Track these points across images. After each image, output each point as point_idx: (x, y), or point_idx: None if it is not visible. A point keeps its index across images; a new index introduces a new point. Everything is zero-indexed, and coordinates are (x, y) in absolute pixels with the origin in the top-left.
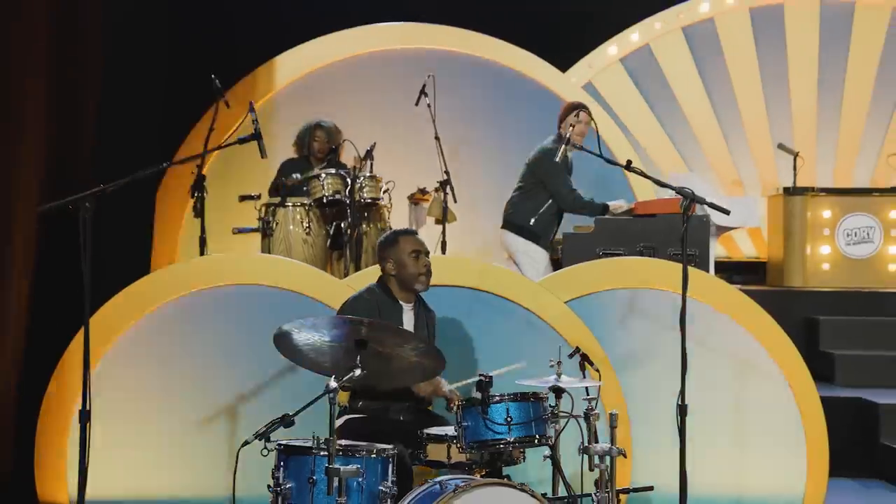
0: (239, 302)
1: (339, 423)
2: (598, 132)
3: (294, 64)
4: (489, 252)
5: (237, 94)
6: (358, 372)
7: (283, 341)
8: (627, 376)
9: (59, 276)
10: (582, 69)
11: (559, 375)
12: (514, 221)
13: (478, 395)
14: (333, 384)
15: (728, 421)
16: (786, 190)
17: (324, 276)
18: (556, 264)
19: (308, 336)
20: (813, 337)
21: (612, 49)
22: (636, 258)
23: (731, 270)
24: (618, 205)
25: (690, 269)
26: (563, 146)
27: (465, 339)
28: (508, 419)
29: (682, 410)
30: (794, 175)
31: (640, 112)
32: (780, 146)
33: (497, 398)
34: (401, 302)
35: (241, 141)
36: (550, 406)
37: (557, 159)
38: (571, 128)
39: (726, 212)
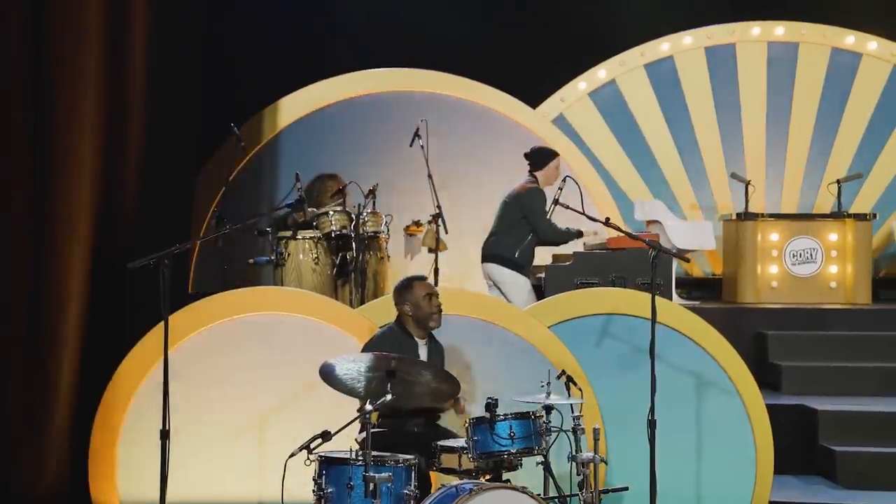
0: (267, 327)
1: (362, 436)
2: (581, 191)
3: (297, 106)
4: (472, 276)
5: (244, 133)
6: (389, 396)
7: (327, 371)
8: (603, 392)
9: (111, 302)
10: (554, 103)
11: (549, 394)
12: (499, 254)
13: (486, 414)
14: (369, 407)
15: (688, 430)
16: (738, 215)
17: (340, 306)
18: (537, 289)
19: (348, 368)
20: (762, 349)
21: (581, 84)
22: (609, 288)
23: (690, 287)
24: (591, 231)
25: (657, 298)
26: (553, 206)
27: (462, 362)
28: (512, 434)
29: (651, 424)
30: (746, 201)
31: (608, 142)
32: (734, 175)
33: (502, 417)
34: (416, 338)
35: (289, 206)
36: (545, 422)
37: (549, 216)
38: (559, 191)
39: (686, 259)
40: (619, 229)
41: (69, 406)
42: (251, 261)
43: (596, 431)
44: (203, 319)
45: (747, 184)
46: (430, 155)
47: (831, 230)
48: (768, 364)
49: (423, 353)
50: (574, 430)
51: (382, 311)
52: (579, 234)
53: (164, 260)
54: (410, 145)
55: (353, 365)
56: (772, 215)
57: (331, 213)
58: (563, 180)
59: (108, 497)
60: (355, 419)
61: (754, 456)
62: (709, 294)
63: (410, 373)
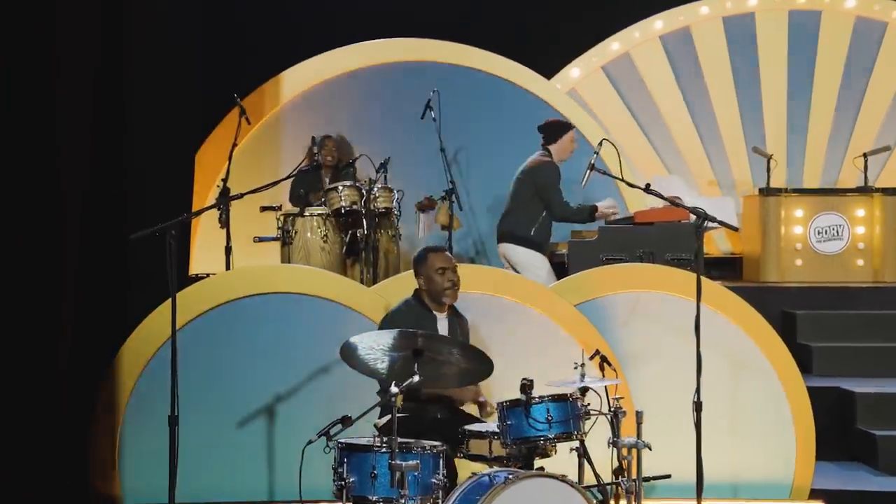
0: (275, 307)
1: (382, 421)
2: (619, 155)
3: (301, 78)
4: (484, 251)
5: (247, 106)
6: (417, 378)
7: (348, 352)
8: (632, 373)
9: (107, 284)
10: (566, 76)
11: (583, 376)
12: (514, 233)
13: (521, 396)
14: (395, 389)
15: (724, 413)
16: (761, 191)
17: (352, 284)
18: (556, 268)
19: (370, 346)
20: (790, 329)
21: (594, 57)
22: (637, 264)
23: (709, 266)
24: (606, 205)
25: (687, 274)
26: (589, 172)
27: (485, 341)
28: (549, 418)
29: (697, 406)
30: (768, 176)
31: (622, 117)
32: (755, 150)
33: (538, 399)
34: (434, 312)
35: (305, 170)
36: (585, 405)
37: (584, 186)
38: (595, 155)
39: (735, 228)
40: (660, 196)
41: (67, 389)
42: (256, 239)
43: (639, 415)
44: (209, 299)
45: (769, 158)
46: (444, 128)
47: (858, 205)
48: (797, 345)
49: (441, 328)
50: (615, 414)
51: (397, 290)
52: (593, 211)
53: (170, 230)
54: (422, 118)
55: (377, 343)
56: (796, 190)
57: (340, 188)
58: (600, 143)
59: (108, 487)
60: (379, 403)
61: (794, 441)
62: (728, 273)
63: (440, 352)
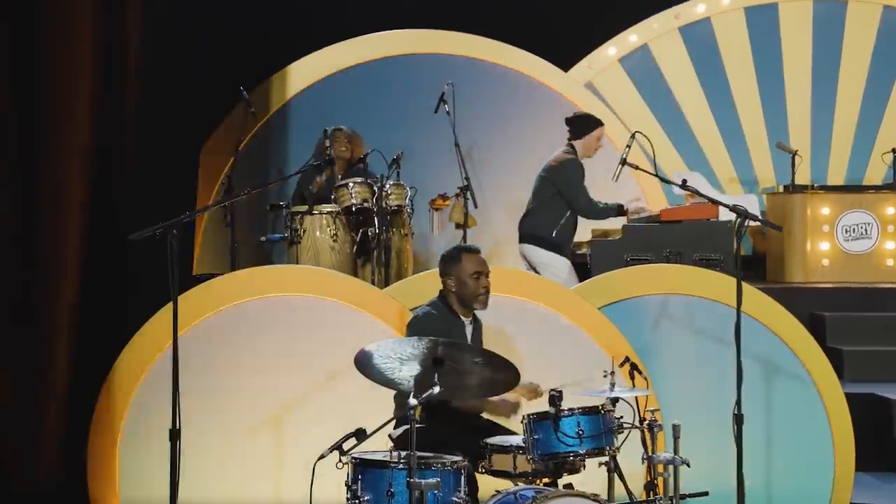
0: (285, 311)
1: (398, 432)
2: (653, 153)
3: (309, 71)
4: (501, 252)
5: (253, 100)
6: (437, 389)
7: (363, 360)
8: (660, 382)
9: (108, 287)
10: (582, 70)
11: (613, 385)
12: (535, 234)
13: (550, 409)
14: (413, 401)
15: (758, 422)
16: (786, 188)
17: (364, 285)
18: (577, 268)
19: (387, 355)
20: (818, 332)
21: (611, 50)
22: (664, 265)
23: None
24: (634, 202)
25: (716, 274)
26: (620, 166)
27: (503, 346)
28: (580, 432)
29: (738, 419)
30: (793, 173)
31: (640, 111)
32: (779, 145)
33: (568, 412)
34: (461, 317)
35: (315, 167)
36: (617, 418)
37: (615, 180)
38: (628, 149)
39: (778, 228)
40: (697, 192)
41: (65, 398)
42: (263, 238)
43: (675, 429)
44: (214, 302)
45: (794, 154)
46: (457, 122)
47: (888, 203)
48: (827, 349)
49: (468, 334)
50: (650, 427)
51: (411, 291)
52: (620, 210)
53: (171, 230)
54: (435, 111)
55: (394, 352)
56: (822, 187)
57: (351, 184)
58: (632, 136)
59: (108, 499)
60: (395, 416)
61: (832, 452)
62: (751, 273)
63: (462, 361)
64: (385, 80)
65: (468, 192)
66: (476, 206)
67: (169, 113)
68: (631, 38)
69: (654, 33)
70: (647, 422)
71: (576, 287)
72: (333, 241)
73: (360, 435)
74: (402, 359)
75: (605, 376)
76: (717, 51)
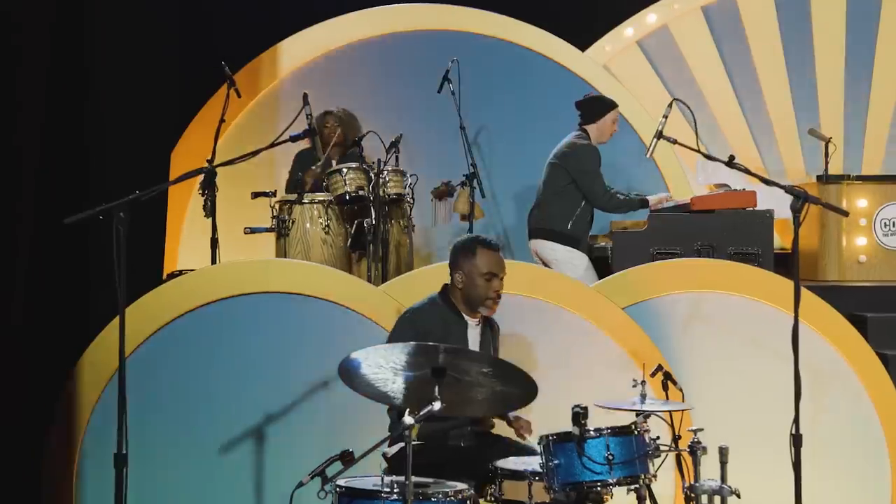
0: (266, 311)
1: (393, 450)
2: (695, 124)
3: (301, 49)
4: (510, 245)
5: (241, 81)
6: (437, 405)
7: (348, 370)
8: (691, 391)
9: (64, 284)
10: (597, 51)
11: (644, 397)
12: (549, 228)
13: (573, 428)
14: (409, 420)
15: (805, 436)
16: (819, 178)
17: (359, 282)
18: (595, 263)
19: (377, 365)
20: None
21: (628, 31)
22: (695, 259)
23: None
24: (658, 199)
25: (753, 269)
26: (655, 140)
27: (515, 352)
28: (610, 457)
29: (796, 441)
30: (826, 162)
31: (659, 96)
32: (811, 132)
33: (595, 433)
34: (465, 317)
35: (295, 138)
36: (653, 439)
37: (648, 156)
38: (664, 119)
39: (845, 213)
40: (747, 171)
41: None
42: (248, 230)
43: (723, 452)
44: (187, 300)
45: (827, 141)
46: (463, 104)
47: None
48: None
49: (472, 338)
50: (691, 450)
51: (410, 288)
52: (644, 205)
53: (118, 213)
54: (439, 91)
55: (386, 360)
56: (859, 178)
57: (344, 170)
58: (670, 105)
59: None
60: (389, 437)
61: (889, 469)
62: (781, 271)
63: (467, 371)
64: (384, 59)
65: (475, 180)
66: (483, 196)
67: (140, 97)
68: (650, 18)
69: (675, 13)
70: (688, 443)
71: (596, 285)
72: (325, 233)
73: (347, 458)
74: (396, 368)
75: (634, 387)
76: (743, 32)
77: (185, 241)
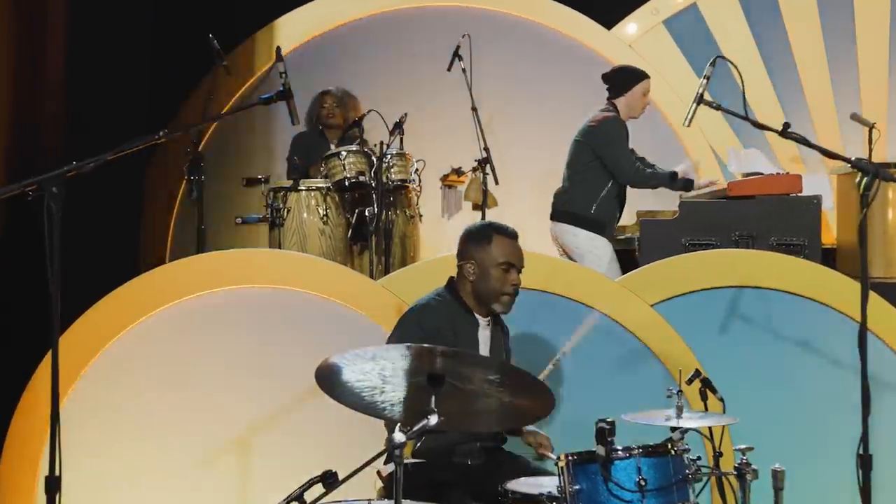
0: (250, 309)
1: (388, 468)
2: (743, 86)
3: (299, 27)
4: (528, 241)
5: (235, 62)
6: (433, 420)
7: (328, 376)
8: (731, 402)
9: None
10: (622, 32)
11: (681, 409)
12: (570, 210)
13: (598, 448)
14: (399, 437)
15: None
16: None
17: (355, 276)
18: (620, 256)
19: (363, 370)
20: None
21: (654, 10)
22: (734, 251)
23: None
24: (687, 170)
25: (798, 262)
26: (695, 105)
27: (528, 354)
28: (642, 482)
29: (863, 462)
30: (870, 150)
31: (688, 80)
32: (854, 117)
33: (624, 453)
34: (476, 315)
35: (265, 101)
36: (693, 459)
37: (687, 124)
38: (706, 81)
39: None
40: (805, 142)
41: None
42: (238, 220)
43: (777, 475)
44: (162, 295)
45: (871, 127)
46: (475, 85)
47: None
48: None
49: (482, 339)
50: (739, 473)
51: (411, 282)
52: (673, 178)
53: (50, 188)
54: (449, 69)
55: (374, 364)
56: None
57: (343, 153)
58: (712, 63)
59: None
60: (378, 456)
61: None
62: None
63: (470, 378)
64: (390, 37)
65: (487, 166)
66: (497, 183)
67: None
68: None
69: None
70: (734, 465)
71: (622, 279)
72: (324, 223)
73: (330, 481)
74: (385, 375)
75: (668, 397)
76: (778, 9)
77: (176, 236)
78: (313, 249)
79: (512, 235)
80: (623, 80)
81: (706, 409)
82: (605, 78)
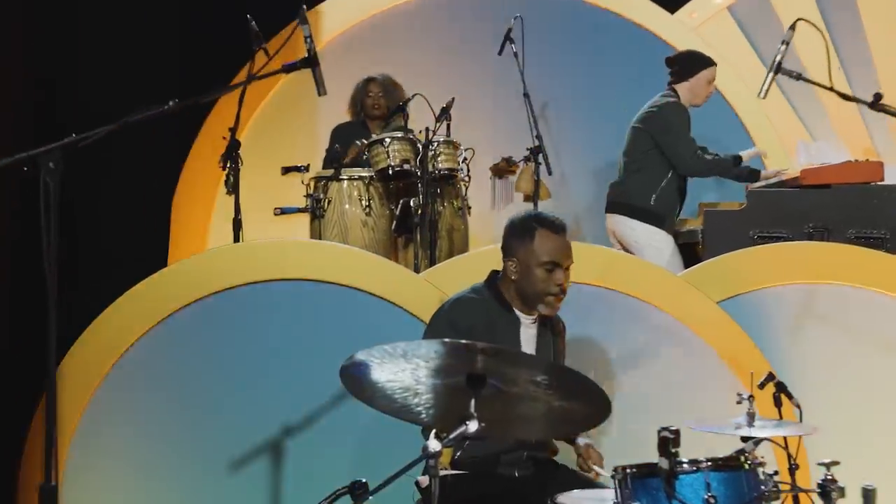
0: (284, 303)
1: (425, 480)
2: (828, 51)
3: (343, 12)
4: (579, 233)
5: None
6: (473, 426)
7: (355, 376)
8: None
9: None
10: (683, 19)
11: (753, 417)
12: (627, 202)
13: (660, 461)
14: (435, 445)
15: None
16: None
17: (396, 268)
18: (682, 250)
19: (393, 369)
20: None
21: None
22: (808, 243)
23: None
24: (751, 154)
25: (880, 256)
26: (772, 75)
27: (582, 356)
28: (710, 500)
29: None
30: None
31: (753, 68)
32: None
33: (690, 466)
34: (517, 312)
35: (289, 69)
36: (770, 474)
37: (763, 95)
38: (784, 46)
39: None
40: None
41: None
42: (277, 210)
43: (869, 495)
44: (190, 289)
45: None
46: (527, 70)
47: None
48: None
49: (525, 339)
50: (824, 491)
51: (459, 276)
52: (737, 163)
53: (47, 163)
54: (500, 53)
55: (406, 361)
56: None
57: (387, 140)
58: (792, 27)
59: None
60: (411, 465)
61: None
62: None
63: (515, 380)
64: (438, 21)
65: (540, 155)
66: (550, 173)
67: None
68: None
69: None
70: (817, 481)
71: (685, 273)
72: (366, 214)
73: (359, 492)
74: (418, 375)
75: (738, 403)
76: None
77: (213, 233)
78: (355, 242)
79: (558, 229)
80: (689, 64)
81: (780, 416)
82: (669, 61)
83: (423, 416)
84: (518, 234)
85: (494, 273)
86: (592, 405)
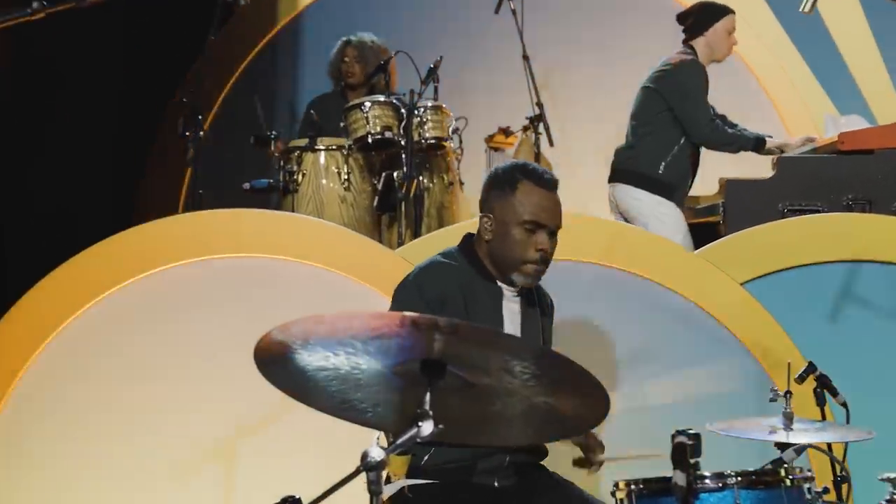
0: (234, 283)
1: (391, 490)
2: None
3: None
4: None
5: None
6: (427, 427)
7: (275, 363)
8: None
9: None
10: None
11: (790, 419)
12: (633, 169)
13: (677, 475)
14: (377, 453)
15: None
16: None
17: (367, 243)
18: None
19: (326, 354)
20: None
21: None
22: (847, 215)
23: None
24: (780, 145)
25: None
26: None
27: (585, 340)
28: None
29: None
30: None
31: (778, 41)
32: None
33: (716, 483)
34: (499, 283)
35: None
36: (818, 492)
37: (809, 10)
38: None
39: None
40: None
41: None
42: (246, 186)
43: None
44: (129, 265)
45: None
46: (528, 32)
47: None
48: None
49: (509, 315)
50: None
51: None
52: (759, 143)
53: None
54: (496, 11)
55: (337, 348)
56: None
57: (367, 105)
58: None
59: None
60: (349, 479)
61: None
62: None
63: (484, 367)
64: None
65: (540, 125)
66: (552, 145)
67: None
68: None
69: None
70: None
71: (703, 250)
72: (345, 189)
73: None
74: (356, 361)
75: (771, 401)
76: None
77: (188, 203)
78: (332, 219)
79: (547, 184)
80: (703, 16)
81: (823, 416)
82: (681, 17)
83: (371, 415)
84: (498, 184)
85: (469, 235)
86: (586, 402)
